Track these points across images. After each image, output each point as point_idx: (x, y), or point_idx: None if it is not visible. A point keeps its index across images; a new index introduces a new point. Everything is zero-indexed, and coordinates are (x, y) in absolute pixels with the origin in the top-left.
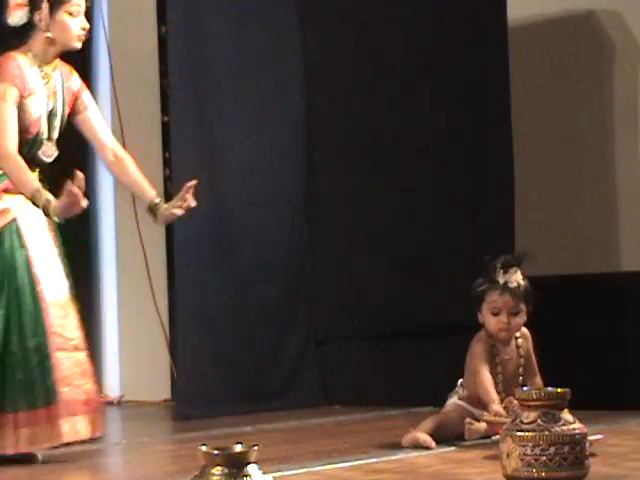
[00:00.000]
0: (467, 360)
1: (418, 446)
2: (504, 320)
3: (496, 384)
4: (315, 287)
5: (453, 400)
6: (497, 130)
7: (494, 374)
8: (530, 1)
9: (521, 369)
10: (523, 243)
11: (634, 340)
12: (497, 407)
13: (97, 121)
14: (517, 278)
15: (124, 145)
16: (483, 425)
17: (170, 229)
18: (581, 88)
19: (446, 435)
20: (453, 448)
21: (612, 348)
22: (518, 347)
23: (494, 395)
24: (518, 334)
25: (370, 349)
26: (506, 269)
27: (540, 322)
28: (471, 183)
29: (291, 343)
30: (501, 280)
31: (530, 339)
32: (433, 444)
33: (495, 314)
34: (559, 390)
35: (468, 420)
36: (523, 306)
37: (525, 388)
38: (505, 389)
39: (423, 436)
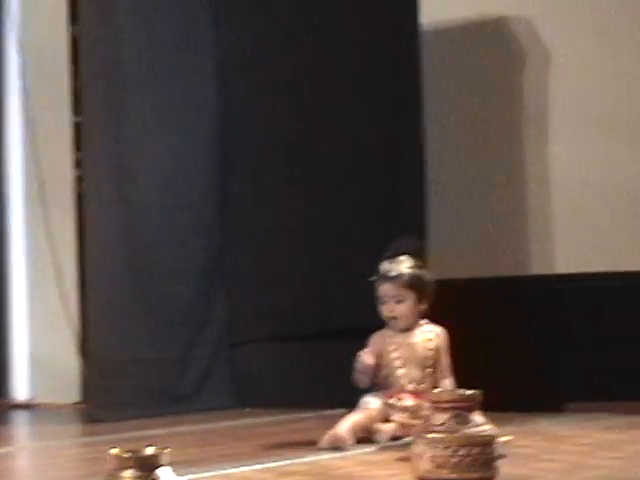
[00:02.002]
0: None
1: (335, 446)
2: (389, 308)
3: (397, 367)
4: (229, 288)
5: (372, 397)
6: (409, 133)
7: (392, 359)
8: (443, 6)
9: (431, 362)
10: (436, 245)
11: (543, 342)
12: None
13: None
14: (399, 267)
15: (36, 147)
16: (393, 426)
17: (82, 230)
18: (493, 92)
19: (363, 435)
20: (367, 450)
21: (523, 350)
22: (428, 340)
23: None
24: (429, 329)
25: (285, 351)
26: (391, 259)
27: (450, 324)
28: (384, 185)
29: (203, 345)
30: (382, 270)
31: (443, 338)
32: (350, 442)
33: (382, 303)
34: (470, 392)
35: (377, 423)
36: (408, 294)
37: (436, 390)
38: (414, 377)
39: (339, 436)
